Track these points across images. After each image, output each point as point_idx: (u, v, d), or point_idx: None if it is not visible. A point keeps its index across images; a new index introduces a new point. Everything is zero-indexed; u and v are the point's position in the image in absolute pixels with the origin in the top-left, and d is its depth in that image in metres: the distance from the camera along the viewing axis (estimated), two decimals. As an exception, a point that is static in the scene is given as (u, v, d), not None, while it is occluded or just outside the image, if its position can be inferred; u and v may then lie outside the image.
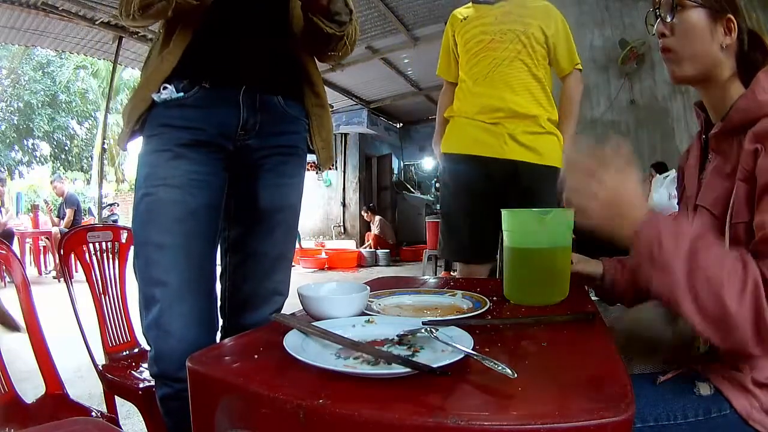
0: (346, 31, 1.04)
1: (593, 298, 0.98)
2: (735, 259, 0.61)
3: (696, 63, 0.78)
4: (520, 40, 1.61)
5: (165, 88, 0.94)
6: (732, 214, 0.70)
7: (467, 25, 1.69)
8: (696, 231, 0.63)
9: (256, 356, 0.61)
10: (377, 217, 8.46)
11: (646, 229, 0.64)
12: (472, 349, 0.55)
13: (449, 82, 1.84)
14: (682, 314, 0.61)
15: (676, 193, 1.02)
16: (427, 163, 10.88)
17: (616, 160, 0.69)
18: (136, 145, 1.01)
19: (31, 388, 1.15)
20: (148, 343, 0.95)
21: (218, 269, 1.06)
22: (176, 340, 0.91)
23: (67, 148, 16.73)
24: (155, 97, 0.94)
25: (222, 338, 1.06)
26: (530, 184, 1.60)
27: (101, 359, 1.35)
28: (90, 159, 16.11)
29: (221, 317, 1.08)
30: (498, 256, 1.83)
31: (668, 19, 0.79)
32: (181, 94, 0.95)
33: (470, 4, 1.76)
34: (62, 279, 2.95)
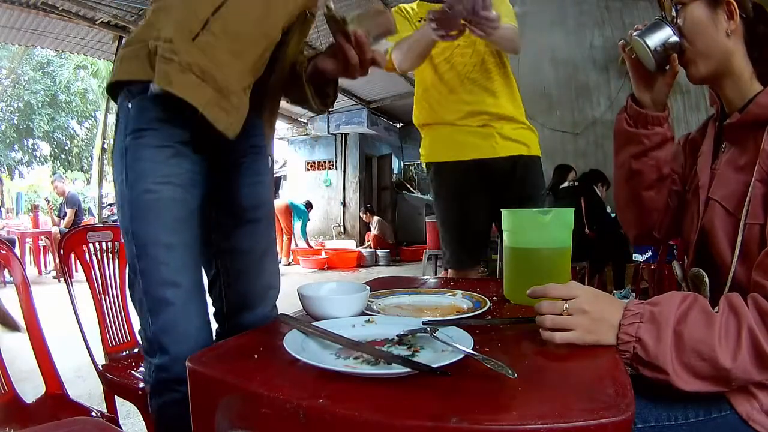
0: (322, 110, 1.14)
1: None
2: (725, 311, 0.61)
3: (708, 59, 0.77)
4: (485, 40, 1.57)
5: None
6: (747, 214, 0.70)
7: None
8: (677, 314, 0.61)
9: (256, 356, 0.61)
10: (375, 218, 8.47)
11: (626, 335, 0.62)
12: (472, 349, 0.55)
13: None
14: (684, 392, 0.61)
15: None
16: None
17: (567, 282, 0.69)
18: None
19: (31, 388, 1.15)
20: (159, 349, 0.88)
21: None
22: (193, 341, 0.88)
23: (67, 148, 16.76)
24: (152, 87, 0.88)
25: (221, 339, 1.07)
26: (523, 175, 1.62)
27: (101, 359, 1.35)
28: (90, 159, 16.11)
29: (219, 320, 1.08)
30: (498, 256, 1.82)
31: (676, 22, 0.78)
32: None
33: (417, 1, 1.68)
34: (62, 279, 2.94)
